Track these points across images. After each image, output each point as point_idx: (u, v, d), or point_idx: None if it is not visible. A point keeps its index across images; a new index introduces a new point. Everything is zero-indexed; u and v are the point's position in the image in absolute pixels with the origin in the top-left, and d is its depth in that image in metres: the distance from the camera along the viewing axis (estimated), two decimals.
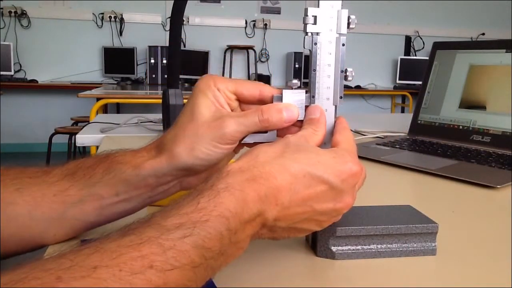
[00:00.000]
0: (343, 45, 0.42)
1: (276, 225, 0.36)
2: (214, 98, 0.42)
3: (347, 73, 0.43)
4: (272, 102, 0.42)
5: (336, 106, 0.43)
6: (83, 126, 1.23)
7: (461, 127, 1.01)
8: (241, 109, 0.44)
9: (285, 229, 0.37)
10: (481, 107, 0.99)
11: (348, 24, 0.42)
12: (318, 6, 0.42)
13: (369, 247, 0.43)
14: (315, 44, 0.42)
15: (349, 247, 0.42)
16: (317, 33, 0.42)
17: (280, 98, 0.42)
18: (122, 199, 0.42)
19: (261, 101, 0.43)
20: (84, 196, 0.42)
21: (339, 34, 0.42)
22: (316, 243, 0.43)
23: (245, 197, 0.33)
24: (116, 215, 0.43)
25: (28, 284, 0.24)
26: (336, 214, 0.38)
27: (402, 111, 5.64)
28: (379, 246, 0.43)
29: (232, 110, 0.43)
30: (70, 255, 0.26)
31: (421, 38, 5.68)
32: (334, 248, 0.42)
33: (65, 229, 0.42)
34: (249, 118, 0.40)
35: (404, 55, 5.61)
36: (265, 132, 0.42)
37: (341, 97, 0.43)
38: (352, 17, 0.42)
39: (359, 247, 0.43)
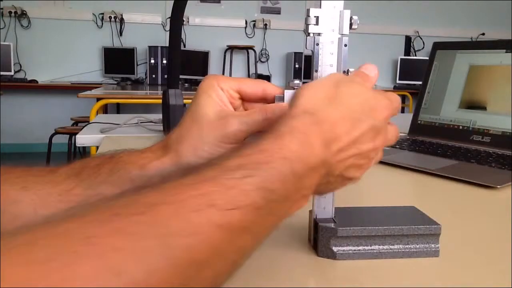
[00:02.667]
0: (345, 45, 0.42)
1: (333, 173, 0.35)
2: (218, 98, 0.42)
3: (349, 74, 0.42)
4: (274, 101, 0.42)
5: None
6: (83, 126, 1.23)
7: (461, 127, 1.01)
8: (244, 108, 0.44)
9: (337, 178, 0.37)
10: (481, 107, 0.99)
11: (351, 24, 0.42)
12: (320, 7, 0.41)
13: (370, 247, 0.43)
14: (317, 44, 0.42)
15: (350, 247, 0.42)
16: (319, 34, 0.42)
17: (282, 98, 0.42)
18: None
19: (264, 100, 0.43)
20: (90, 196, 0.41)
21: (341, 34, 0.42)
22: (317, 243, 0.43)
23: (311, 141, 0.32)
24: None
25: (85, 219, 0.23)
26: (374, 154, 0.38)
27: (402, 111, 5.64)
28: (380, 247, 0.43)
29: (235, 109, 0.43)
30: (129, 194, 0.26)
31: (421, 38, 5.68)
32: (335, 248, 0.42)
33: None
34: (252, 117, 0.40)
35: (404, 55, 5.61)
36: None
37: None
38: (355, 17, 0.41)
39: (360, 247, 0.43)
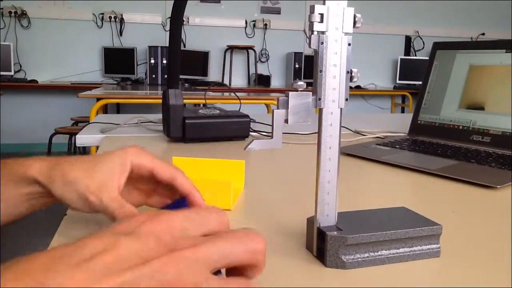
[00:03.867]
0: (349, 44, 0.41)
1: None
2: (121, 168, 0.45)
3: (353, 74, 0.41)
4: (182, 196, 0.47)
5: (341, 109, 0.41)
6: (83, 126, 1.23)
7: (461, 127, 1.01)
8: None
9: None
10: (481, 107, 0.99)
11: (354, 22, 0.40)
12: (324, 4, 0.40)
13: (378, 253, 0.42)
14: (322, 43, 0.40)
15: (358, 255, 0.41)
16: (323, 32, 0.40)
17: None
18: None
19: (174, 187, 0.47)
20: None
21: (345, 33, 0.40)
22: (324, 253, 0.42)
23: None
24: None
25: None
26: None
27: (402, 111, 5.64)
28: (386, 252, 0.42)
29: (136, 182, 0.48)
30: None
31: (421, 38, 5.68)
32: (344, 258, 0.41)
33: None
34: (111, 207, 0.43)
35: (404, 55, 5.61)
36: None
37: (346, 99, 0.41)
38: (358, 15, 0.40)
39: (367, 254, 0.42)
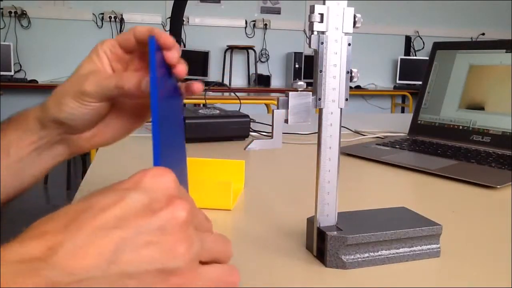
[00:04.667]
0: (349, 44, 0.41)
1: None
2: (97, 59, 0.45)
3: (353, 74, 0.41)
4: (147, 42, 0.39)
5: (341, 109, 0.42)
6: None
7: (461, 127, 1.01)
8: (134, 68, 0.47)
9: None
10: (481, 107, 0.99)
11: (354, 22, 0.40)
12: (324, 4, 0.40)
13: (377, 253, 0.42)
14: (322, 43, 0.40)
15: (358, 255, 0.41)
16: (323, 32, 0.40)
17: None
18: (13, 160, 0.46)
19: (141, 45, 0.45)
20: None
21: (345, 33, 0.40)
22: (324, 253, 0.42)
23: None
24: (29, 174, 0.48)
25: None
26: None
27: (402, 111, 5.64)
28: (386, 252, 0.42)
29: (122, 69, 0.46)
30: None
31: (421, 38, 5.68)
32: (344, 258, 0.41)
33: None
34: (106, 81, 0.43)
35: (404, 55, 5.61)
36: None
37: (346, 99, 0.41)
38: (358, 15, 0.40)
39: (367, 254, 0.42)
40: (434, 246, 0.44)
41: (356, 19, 0.40)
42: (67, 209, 0.27)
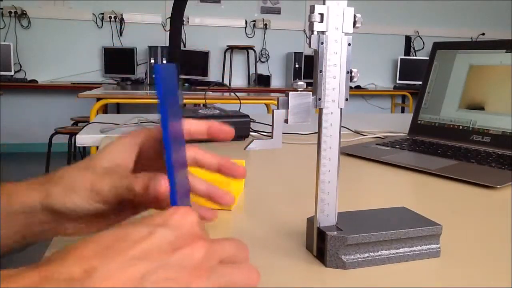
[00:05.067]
0: (349, 44, 0.41)
1: None
2: (123, 150, 0.41)
3: (353, 74, 0.41)
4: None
5: (341, 109, 0.42)
6: (83, 126, 1.23)
7: (461, 127, 1.01)
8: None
9: None
10: (481, 107, 0.99)
11: (354, 22, 0.40)
12: (324, 4, 0.40)
13: (378, 253, 0.42)
14: (322, 43, 0.40)
15: (358, 255, 0.41)
16: (323, 32, 0.40)
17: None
18: None
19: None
20: None
21: (345, 33, 0.40)
22: (324, 253, 0.41)
23: None
24: None
25: None
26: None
27: (402, 111, 5.64)
28: (386, 252, 0.42)
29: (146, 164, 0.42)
30: None
31: (421, 38, 5.68)
32: (344, 258, 0.41)
33: None
34: (121, 181, 0.39)
35: (404, 55, 5.61)
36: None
37: (346, 99, 0.41)
38: (358, 15, 0.40)
39: (367, 254, 0.42)
40: (434, 246, 0.44)
41: (356, 19, 0.40)
42: (105, 235, 0.30)
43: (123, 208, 0.42)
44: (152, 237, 0.29)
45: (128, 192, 0.39)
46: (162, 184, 0.36)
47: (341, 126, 0.43)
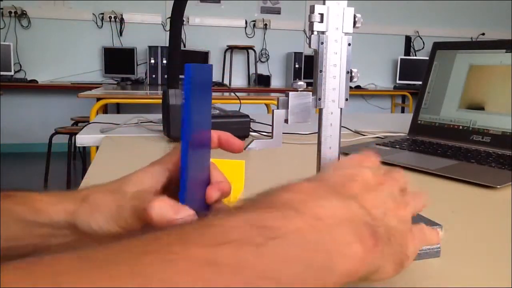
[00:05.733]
0: (349, 44, 0.41)
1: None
2: (154, 173, 0.40)
3: (353, 74, 0.41)
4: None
5: (341, 109, 0.42)
6: (83, 126, 1.23)
7: (461, 127, 1.01)
8: None
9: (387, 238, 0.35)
10: (481, 107, 0.99)
11: (354, 22, 0.40)
12: (324, 4, 0.40)
13: None
14: (322, 43, 0.40)
15: None
16: (323, 32, 0.40)
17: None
18: (13, 245, 0.40)
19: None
20: None
21: (345, 33, 0.40)
22: None
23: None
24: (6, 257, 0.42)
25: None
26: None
27: (402, 111, 5.64)
28: None
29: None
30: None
31: (421, 38, 5.68)
32: None
33: None
34: (144, 204, 0.38)
35: (404, 55, 5.61)
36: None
37: (346, 99, 0.42)
38: (358, 15, 0.40)
39: None
40: (434, 246, 0.44)
41: (356, 19, 0.40)
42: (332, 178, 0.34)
43: (142, 227, 0.41)
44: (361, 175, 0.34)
45: (147, 217, 0.37)
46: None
47: (341, 126, 0.43)
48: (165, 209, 0.35)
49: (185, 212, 0.35)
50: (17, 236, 0.40)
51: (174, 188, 0.41)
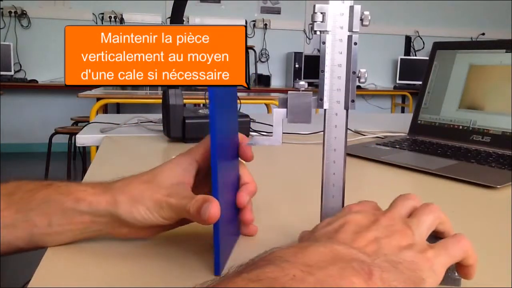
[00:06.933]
0: (355, 44, 0.39)
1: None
2: (185, 167, 0.43)
3: (360, 74, 0.40)
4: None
5: (347, 111, 0.41)
6: (83, 126, 1.23)
7: (461, 127, 1.01)
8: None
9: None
10: (481, 107, 0.99)
11: (361, 21, 0.39)
12: (327, 2, 0.39)
13: None
14: (323, 43, 0.39)
15: None
16: (325, 31, 0.39)
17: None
18: (54, 231, 0.42)
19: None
20: (17, 221, 0.41)
21: (352, 32, 0.39)
22: None
23: None
24: (46, 244, 0.43)
25: None
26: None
27: (402, 111, 5.64)
28: None
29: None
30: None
31: (421, 38, 5.68)
32: None
33: None
34: (182, 202, 0.40)
35: (404, 55, 5.61)
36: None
37: (353, 101, 0.40)
38: (366, 13, 0.39)
39: None
40: (455, 274, 0.43)
41: (363, 16, 0.39)
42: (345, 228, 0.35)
43: (180, 220, 0.43)
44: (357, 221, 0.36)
45: (185, 213, 0.40)
46: (212, 212, 0.37)
47: (347, 128, 0.41)
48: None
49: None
50: (58, 223, 0.42)
51: (202, 179, 0.44)
